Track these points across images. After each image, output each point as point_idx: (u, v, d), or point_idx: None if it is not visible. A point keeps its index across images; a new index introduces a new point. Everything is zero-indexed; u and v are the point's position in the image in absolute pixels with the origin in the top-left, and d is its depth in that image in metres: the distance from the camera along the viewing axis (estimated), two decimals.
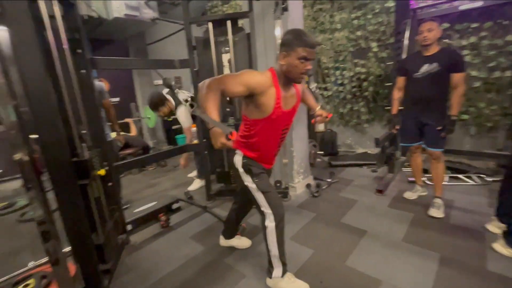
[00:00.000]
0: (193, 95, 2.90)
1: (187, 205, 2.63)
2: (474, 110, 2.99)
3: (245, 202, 1.70)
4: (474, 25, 2.80)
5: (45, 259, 1.77)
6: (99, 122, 1.77)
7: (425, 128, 2.14)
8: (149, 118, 4.65)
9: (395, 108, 2.36)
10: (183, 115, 2.88)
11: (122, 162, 2.01)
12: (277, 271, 1.40)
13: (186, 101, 2.89)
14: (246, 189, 1.39)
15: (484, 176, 2.73)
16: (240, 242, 1.88)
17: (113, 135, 2.86)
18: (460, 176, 2.78)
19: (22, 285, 1.49)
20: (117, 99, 4.61)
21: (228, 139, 1.09)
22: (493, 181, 2.65)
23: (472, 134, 3.08)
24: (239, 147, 1.39)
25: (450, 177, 2.80)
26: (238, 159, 1.38)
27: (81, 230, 1.38)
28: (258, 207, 1.38)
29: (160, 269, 1.72)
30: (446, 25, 2.95)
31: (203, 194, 2.75)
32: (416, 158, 2.38)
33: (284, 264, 1.41)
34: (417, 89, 2.13)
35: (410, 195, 2.46)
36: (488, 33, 2.75)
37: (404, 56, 2.82)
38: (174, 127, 4.82)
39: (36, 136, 1.18)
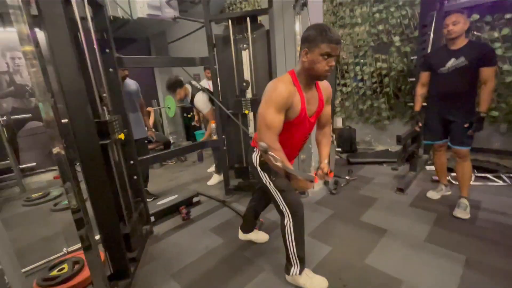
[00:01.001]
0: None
1: (207, 199, 2.69)
2: (504, 106, 2.81)
3: (263, 198, 1.71)
4: (508, 15, 2.62)
5: (78, 246, 1.89)
6: (126, 120, 1.85)
7: (451, 126, 2.05)
8: (169, 107, 4.76)
9: (418, 104, 2.27)
10: (201, 101, 2.98)
11: (146, 156, 2.09)
12: (295, 268, 1.40)
13: (203, 90, 2.96)
14: (264, 186, 1.39)
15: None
16: (258, 236, 1.90)
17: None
18: (489, 175, 2.63)
19: (58, 268, 1.60)
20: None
21: (311, 181, 1.17)
22: None
23: (503, 131, 2.90)
24: (256, 146, 1.38)
25: (477, 176, 2.66)
26: (255, 157, 1.38)
27: (110, 219, 1.46)
28: (276, 205, 1.37)
29: (182, 259, 1.78)
30: (476, 16, 2.78)
31: (222, 189, 2.80)
32: (440, 157, 2.28)
33: (302, 262, 1.41)
34: (443, 85, 2.03)
35: (433, 194, 2.36)
36: None
37: (429, 50, 2.70)
38: (193, 123, 4.91)
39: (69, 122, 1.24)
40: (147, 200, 2.67)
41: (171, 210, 2.39)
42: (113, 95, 1.69)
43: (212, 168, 3.57)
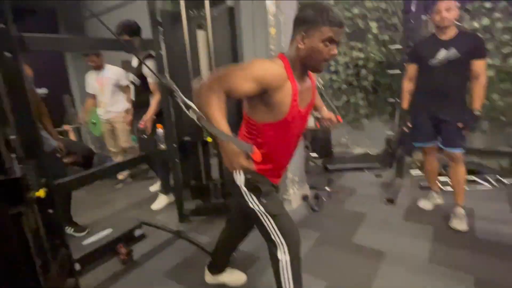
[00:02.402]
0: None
1: (155, 230, 2.45)
2: (486, 102, 3.18)
3: (242, 228, 1.60)
4: (487, 5, 2.98)
5: None
6: (33, 124, 1.55)
7: (442, 126, 2.20)
8: (95, 123, 4.25)
9: (406, 101, 2.42)
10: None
11: (67, 178, 1.79)
12: None
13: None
14: (250, 212, 1.29)
15: (500, 177, 2.93)
16: (233, 277, 1.79)
17: None
18: (475, 178, 2.94)
19: None
20: (44, 90, 4.21)
21: (249, 158, 1.02)
22: (511, 183, 2.85)
23: (484, 130, 3.29)
24: None
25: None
26: (239, 175, 1.27)
27: (17, 281, 1.18)
28: (266, 235, 1.29)
29: None
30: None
31: (174, 215, 2.60)
32: (431, 161, 2.46)
33: None
34: (433, 79, 2.17)
35: (425, 204, 2.54)
36: (503, 14, 2.94)
37: (411, 39, 2.91)
38: None
39: None
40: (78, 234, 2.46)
41: (104, 251, 2.10)
42: (17, 100, 1.38)
43: (156, 187, 3.30)
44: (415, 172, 3.30)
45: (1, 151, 1.21)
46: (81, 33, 4.95)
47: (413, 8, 2.93)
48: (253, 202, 1.27)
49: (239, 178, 1.28)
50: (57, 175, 1.87)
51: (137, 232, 2.34)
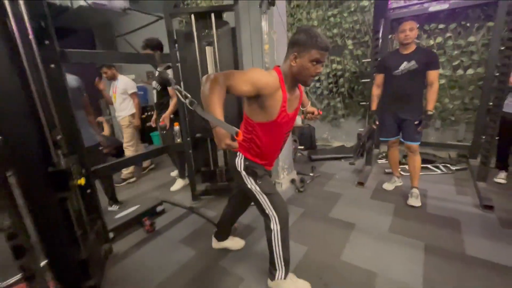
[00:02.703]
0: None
1: (172, 207, 2.47)
2: (438, 105, 3.19)
3: (242, 204, 1.62)
4: (441, 26, 2.96)
5: (18, 277, 1.54)
6: (74, 124, 1.55)
7: (403, 124, 2.22)
8: None
9: (375, 104, 2.42)
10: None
11: (101, 166, 1.79)
12: (280, 273, 1.35)
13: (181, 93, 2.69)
14: (248, 192, 1.31)
15: (449, 165, 2.95)
16: (234, 243, 1.81)
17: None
18: (429, 166, 2.97)
19: None
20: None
21: (234, 140, 1.00)
22: (457, 170, 2.87)
23: (437, 127, 3.29)
24: (240, 150, 1.30)
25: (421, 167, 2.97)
26: (239, 162, 1.29)
27: (61, 246, 1.20)
28: (262, 210, 1.31)
29: (151, 279, 1.58)
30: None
31: (188, 195, 2.61)
32: (393, 152, 2.48)
33: (287, 266, 1.36)
34: (397, 86, 2.18)
35: (388, 186, 2.56)
36: (453, 34, 2.92)
37: (379, 54, 2.90)
38: (148, 123, 4.50)
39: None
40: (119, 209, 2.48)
41: (132, 223, 2.12)
42: (59, 102, 1.37)
43: (175, 172, 3.31)
44: (381, 161, 3.32)
45: (50, 149, 1.23)
46: (113, 48, 4.90)
47: (380, 29, 2.90)
48: (251, 183, 1.29)
49: (240, 165, 1.29)
50: (99, 162, 1.89)
51: (159, 208, 2.36)
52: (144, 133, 4.81)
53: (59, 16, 3.41)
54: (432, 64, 2.02)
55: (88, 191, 1.65)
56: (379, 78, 2.32)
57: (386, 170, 2.94)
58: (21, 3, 1.17)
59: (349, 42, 3.63)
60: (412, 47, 2.09)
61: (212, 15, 2.11)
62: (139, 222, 2.14)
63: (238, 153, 1.30)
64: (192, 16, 2.11)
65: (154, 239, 2.00)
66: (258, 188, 1.27)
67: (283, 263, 1.34)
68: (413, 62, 2.05)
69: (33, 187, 1.06)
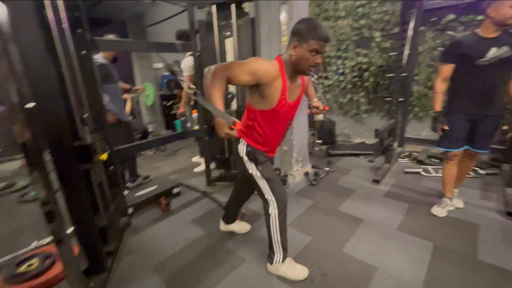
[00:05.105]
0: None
1: (187, 190, 2.63)
2: None
3: (246, 189, 1.70)
4: (480, 17, 2.74)
5: (49, 239, 1.78)
6: (100, 105, 1.73)
7: (478, 127, 1.78)
8: (148, 95, 4.52)
9: (439, 103, 1.87)
10: (186, 62, 2.81)
11: (125, 146, 1.98)
12: (278, 256, 1.42)
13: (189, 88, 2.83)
14: (249, 176, 1.38)
15: (478, 169, 2.77)
16: (240, 227, 1.90)
17: None
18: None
19: (26, 264, 1.49)
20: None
21: (231, 129, 1.07)
22: (487, 174, 2.69)
23: None
24: (243, 136, 1.37)
25: None
26: (242, 148, 1.36)
27: (84, 213, 1.38)
28: (261, 194, 1.38)
29: (162, 251, 1.74)
30: (451, 16, 2.89)
31: (203, 180, 2.76)
32: (453, 166, 1.94)
33: (285, 250, 1.43)
34: (481, 79, 1.69)
35: (439, 211, 2.02)
36: None
37: (407, 48, 2.76)
38: (173, 111, 4.74)
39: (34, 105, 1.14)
40: (141, 181, 2.76)
41: (150, 201, 2.32)
42: (88, 84, 1.55)
43: (197, 158, 3.49)
44: (403, 160, 3.20)
45: (77, 125, 1.40)
46: (144, 38, 5.18)
47: (410, 20, 2.76)
48: (252, 169, 1.36)
49: (243, 151, 1.37)
50: (129, 141, 2.09)
51: (175, 190, 2.52)
52: (168, 121, 5.09)
53: (94, 7, 3.69)
54: None
55: (111, 167, 1.83)
56: (449, 69, 1.77)
57: (406, 170, 2.84)
58: None
59: (377, 34, 3.50)
60: (498, 30, 1.62)
61: (233, 5, 2.17)
62: (156, 201, 2.32)
63: (241, 140, 1.37)
64: (214, 6, 2.19)
65: (168, 217, 2.17)
66: (258, 174, 1.34)
67: (281, 247, 1.41)
68: (505, 48, 1.59)
69: (62, 159, 1.22)
